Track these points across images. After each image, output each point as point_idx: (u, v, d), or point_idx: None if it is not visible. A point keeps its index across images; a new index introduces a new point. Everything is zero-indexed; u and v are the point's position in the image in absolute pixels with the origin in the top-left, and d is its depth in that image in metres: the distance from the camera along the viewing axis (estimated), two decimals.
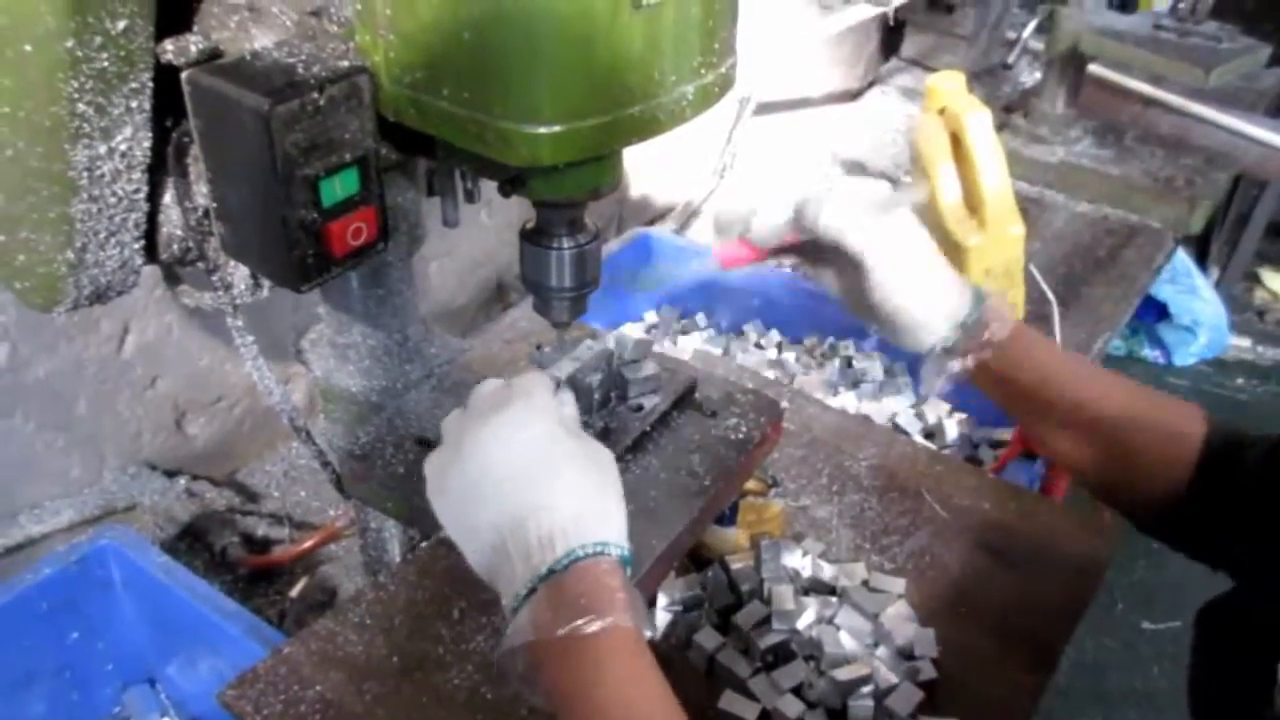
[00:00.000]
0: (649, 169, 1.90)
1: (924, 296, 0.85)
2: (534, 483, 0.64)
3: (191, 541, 1.21)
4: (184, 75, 0.62)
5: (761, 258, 0.91)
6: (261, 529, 1.25)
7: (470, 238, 1.59)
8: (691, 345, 1.52)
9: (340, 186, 0.62)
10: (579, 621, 0.59)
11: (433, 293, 1.57)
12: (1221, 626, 0.79)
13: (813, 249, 0.90)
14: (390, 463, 0.81)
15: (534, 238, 0.72)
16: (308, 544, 1.20)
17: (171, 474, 1.28)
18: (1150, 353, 3.20)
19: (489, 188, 0.75)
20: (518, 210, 0.74)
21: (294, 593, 1.17)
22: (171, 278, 0.89)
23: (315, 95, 0.59)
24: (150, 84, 0.70)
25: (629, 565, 0.64)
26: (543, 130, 0.57)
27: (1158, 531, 0.85)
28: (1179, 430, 0.82)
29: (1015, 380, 0.87)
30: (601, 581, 0.61)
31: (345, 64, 0.61)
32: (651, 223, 1.87)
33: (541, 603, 0.61)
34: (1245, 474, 0.78)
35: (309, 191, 0.61)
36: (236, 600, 0.98)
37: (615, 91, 0.57)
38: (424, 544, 0.95)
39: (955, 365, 0.87)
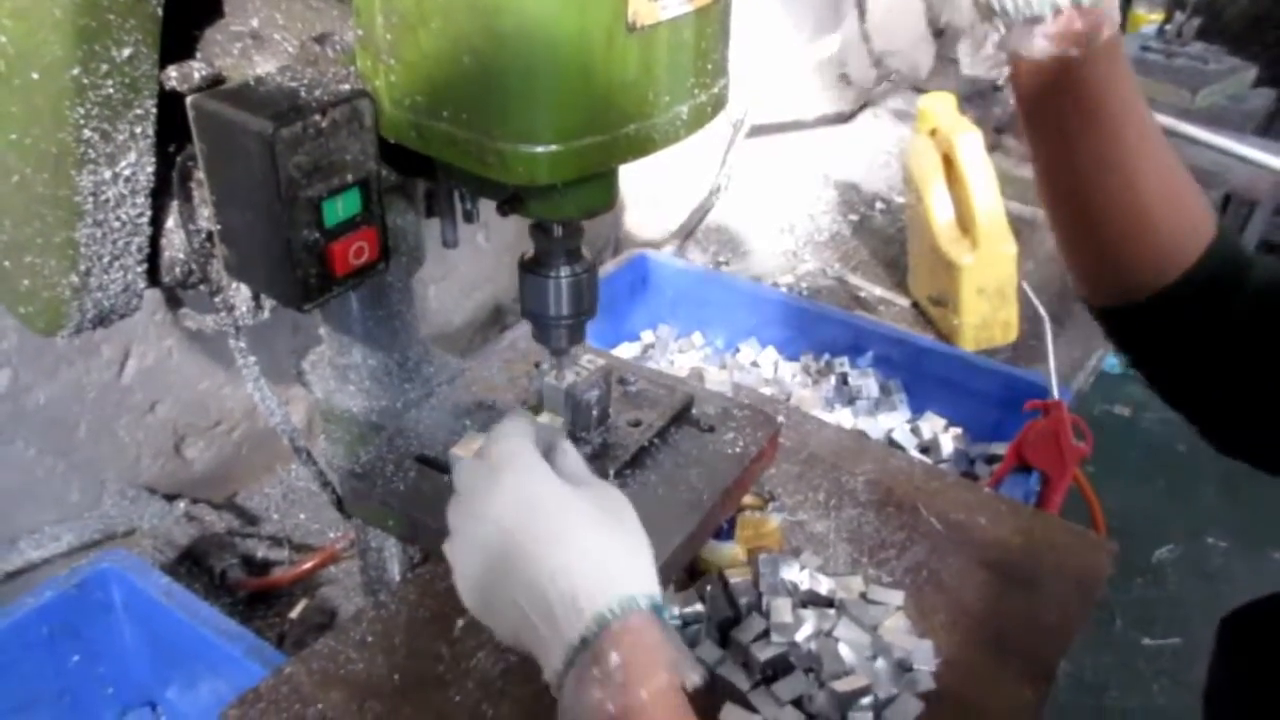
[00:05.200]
0: (646, 191, 1.92)
1: None
2: (545, 548, 0.61)
3: (191, 565, 1.22)
4: (189, 100, 0.63)
5: None
6: (261, 551, 1.25)
7: (468, 261, 1.61)
8: (688, 363, 1.54)
9: (342, 207, 0.64)
10: (626, 698, 0.56)
11: (431, 315, 1.59)
12: (1246, 634, 0.78)
13: None
14: (390, 481, 0.82)
15: (532, 267, 0.73)
16: (307, 565, 1.21)
17: (171, 498, 1.29)
18: None
19: (487, 211, 0.77)
20: (515, 232, 0.76)
21: (294, 614, 1.17)
22: (173, 301, 0.90)
23: (318, 118, 0.60)
24: (154, 110, 0.71)
25: (663, 612, 0.61)
26: (540, 150, 0.58)
27: (1113, 319, 0.81)
28: (1191, 225, 0.76)
29: (1080, 92, 0.74)
30: (638, 642, 0.58)
31: (347, 88, 0.62)
32: (648, 244, 1.89)
33: (585, 680, 0.57)
34: (1240, 298, 0.74)
35: (312, 212, 0.62)
36: (236, 623, 0.98)
37: (611, 112, 0.59)
38: (424, 564, 0.96)
39: (1041, 40, 0.72)
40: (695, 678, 0.59)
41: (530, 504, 0.62)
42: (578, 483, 0.66)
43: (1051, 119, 0.77)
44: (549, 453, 0.69)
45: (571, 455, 0.70)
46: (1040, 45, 0.72)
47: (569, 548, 0.60)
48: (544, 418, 0.81)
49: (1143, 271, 0.77)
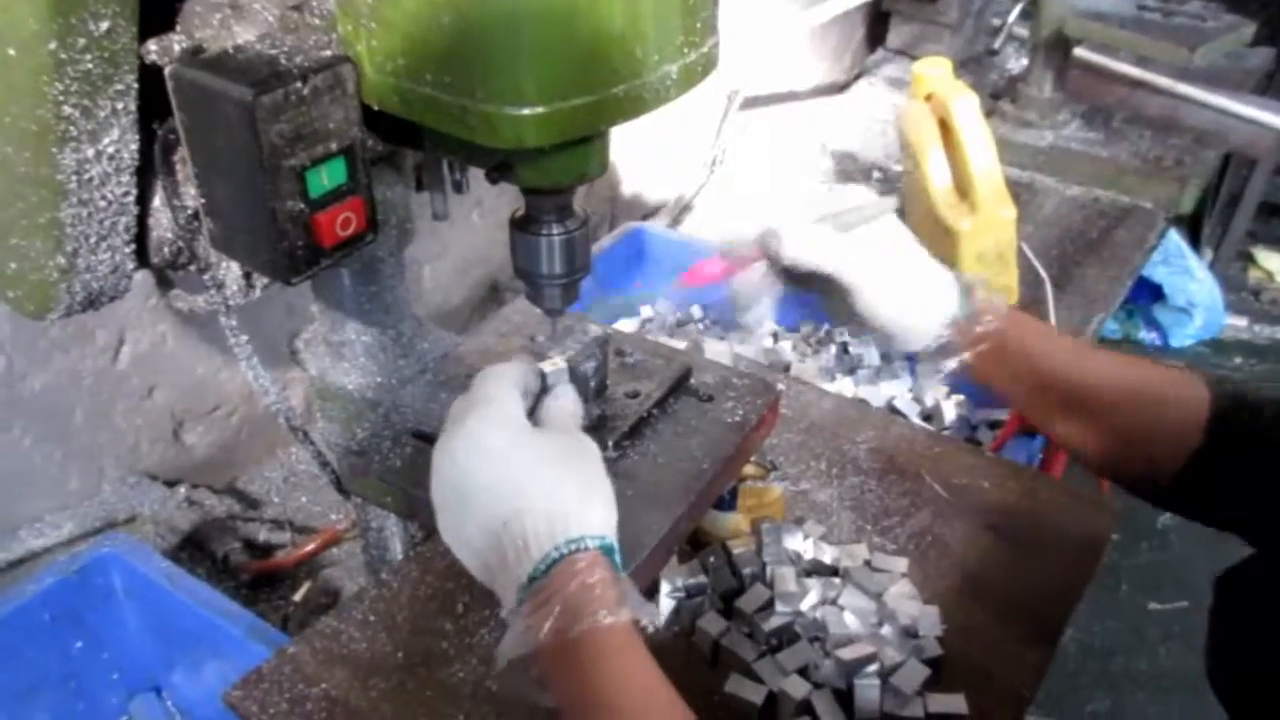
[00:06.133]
0: (640, 164, 1.90)
1: (912, 303, 0.83)
2: (503, 490, 0.63)
3: (193, 550, 1.21)
4: (167, 70, 0.62)
5: (731, 273, 0.90)
6: (263, 534, 1.24)
7: (462, 239, 1.60)
8: (687, 338, 1.52)
9: (327, 177, 0.62)
10: (560, 627, 0.59)
11: (426, 295, 1.57)
12: (1243, 592, 0.78)
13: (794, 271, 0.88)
14: (388, 457, 0.81)
15: (524, 225, 0.72)
16: (310, 547, 1.20)
17: (171, 484, 1.28)
18: (1146, 335, 3.21)
19: (479, 185, 0.75)
20: (510, 210, 0.74)
21: (297, 597, 1.17)
22: (164, 282, 0.89)
23: (299, 85, 0.59)
24: (135, 85, 0.70)
25: (613, 553, 0.63)
26: (526, 112, 0.57)
27: (1168, 502, 0.84)
28: (1185, 398, 0.81)
29: (1014, 368, 0.86)
30: (580, 581, 0.60)
31: (328, 54, 0.61)
32: (645, 218, 1.87)
33: (528, 613, 0.61)
34: (1261, 432, 0.77)
35: (296, 182, 0.61)
36: (238, 605, 0.98)
37: (598, 71, 0.58)
38: (426, 541, 0.96)
39: (951, 363, 0.85)
40: (646, 619, 0.62)
41: (485, 449, 0.65)
42: (549, 427, 0.69)
43: (1008, 394, 0.89)
44: (542, 395, 0.71)
45: (565, 399, 0.71)
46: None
47: (523, 492, 0.63)
48: (546, 365, 0.78)
49: (1146, 471, 0.83)
